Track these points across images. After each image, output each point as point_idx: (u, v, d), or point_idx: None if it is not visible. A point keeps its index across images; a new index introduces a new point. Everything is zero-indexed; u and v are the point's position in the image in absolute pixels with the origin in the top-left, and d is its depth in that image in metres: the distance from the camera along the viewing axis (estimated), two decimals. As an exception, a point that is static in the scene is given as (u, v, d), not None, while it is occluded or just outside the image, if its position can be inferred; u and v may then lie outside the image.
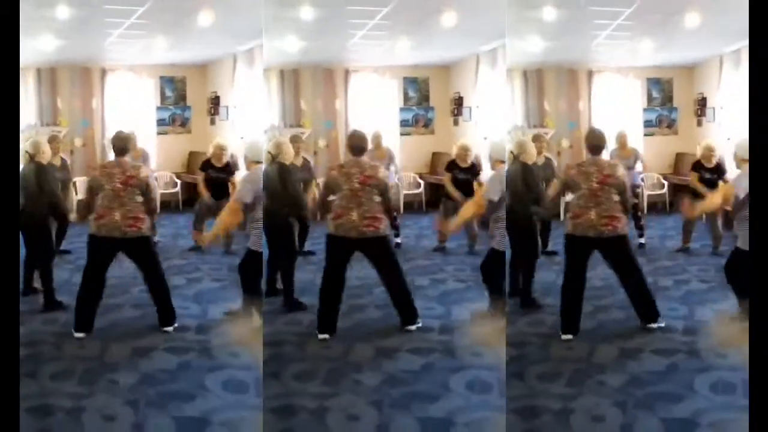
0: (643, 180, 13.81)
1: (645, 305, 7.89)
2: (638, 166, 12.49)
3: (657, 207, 15.03)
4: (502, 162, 8.61)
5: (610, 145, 11.03)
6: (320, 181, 9.53)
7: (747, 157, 7.57)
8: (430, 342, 7.64)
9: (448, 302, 8.89)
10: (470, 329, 8.14)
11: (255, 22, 11.03)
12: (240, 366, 6.98)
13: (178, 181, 14.76)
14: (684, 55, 14.82)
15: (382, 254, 7.97)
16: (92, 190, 7.87)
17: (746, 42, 13.71)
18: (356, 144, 7.93)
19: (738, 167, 8.13)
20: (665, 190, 15.07)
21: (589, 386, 6.54)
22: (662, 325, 7.84)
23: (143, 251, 7.92)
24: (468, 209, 8.87)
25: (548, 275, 9.37)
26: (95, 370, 6.93)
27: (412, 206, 14.68)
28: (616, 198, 7.68)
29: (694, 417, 5.95)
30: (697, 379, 6.59)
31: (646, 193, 14.70)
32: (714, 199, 8.76)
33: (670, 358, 7.12)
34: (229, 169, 11.19)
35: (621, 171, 7.84)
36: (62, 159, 11.10)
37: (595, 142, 7.92)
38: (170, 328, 7.94)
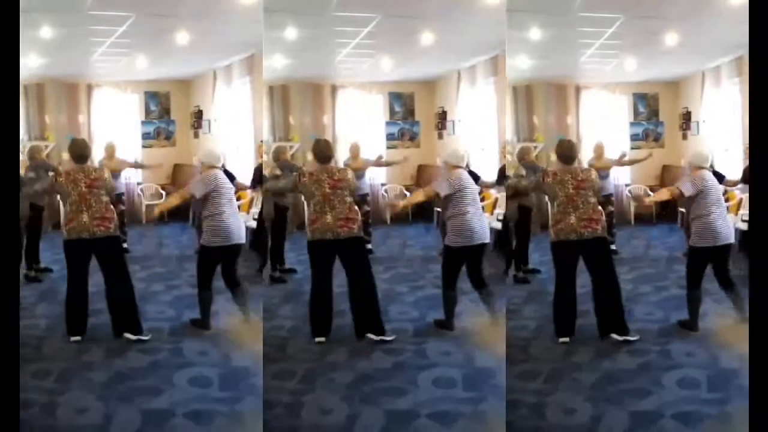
0: (630, 192, 13.94)
1: (612, 314, 7.94)
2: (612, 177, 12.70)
3: (644, 217, 15.10)
4: None
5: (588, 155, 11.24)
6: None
7: (699, 164, 8.20)
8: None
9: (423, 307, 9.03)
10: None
11: (230, 40, 11.28)
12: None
13: (164, 193, 14.76)
14: (667, 71, 14.93)
15: (356, 255, 8.03)
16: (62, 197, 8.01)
17: (725, 59, 13.92)
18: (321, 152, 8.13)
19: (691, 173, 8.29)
20: (652, 201, 15.11)
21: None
22: (630, 338, 7.84)
23: (112, 251, 7.99)
24: (417, 195, 8.80)
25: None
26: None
27: (398, 217, 14.75)
28: (592, 200, 7.99)
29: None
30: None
31: (633, 204, 14.80)
32: (661, 194, 8.70)
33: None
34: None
35: (594, 174, 8.12)
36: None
37: (566, 153, 8.21)
38: (133, 337, 7.86)
